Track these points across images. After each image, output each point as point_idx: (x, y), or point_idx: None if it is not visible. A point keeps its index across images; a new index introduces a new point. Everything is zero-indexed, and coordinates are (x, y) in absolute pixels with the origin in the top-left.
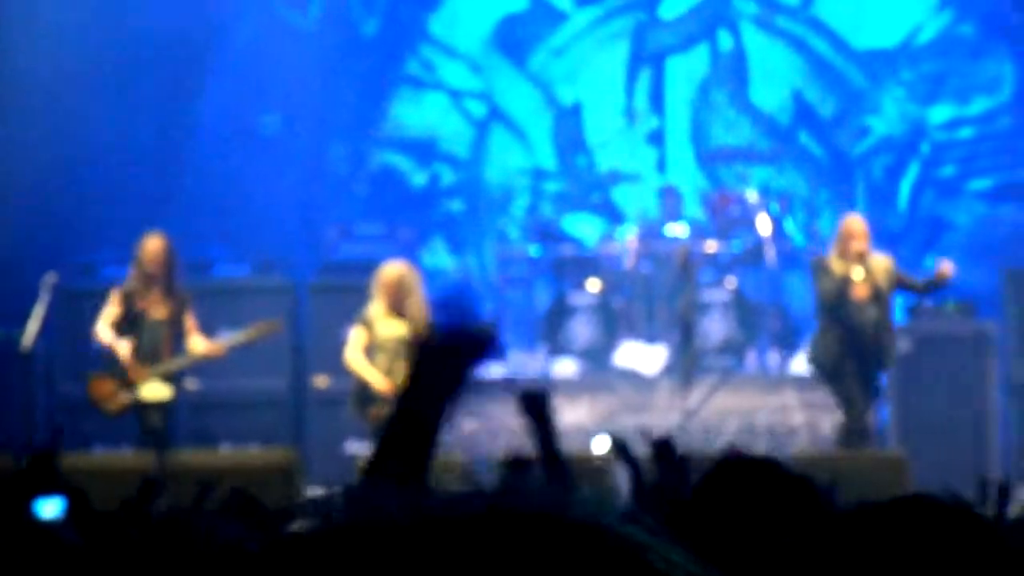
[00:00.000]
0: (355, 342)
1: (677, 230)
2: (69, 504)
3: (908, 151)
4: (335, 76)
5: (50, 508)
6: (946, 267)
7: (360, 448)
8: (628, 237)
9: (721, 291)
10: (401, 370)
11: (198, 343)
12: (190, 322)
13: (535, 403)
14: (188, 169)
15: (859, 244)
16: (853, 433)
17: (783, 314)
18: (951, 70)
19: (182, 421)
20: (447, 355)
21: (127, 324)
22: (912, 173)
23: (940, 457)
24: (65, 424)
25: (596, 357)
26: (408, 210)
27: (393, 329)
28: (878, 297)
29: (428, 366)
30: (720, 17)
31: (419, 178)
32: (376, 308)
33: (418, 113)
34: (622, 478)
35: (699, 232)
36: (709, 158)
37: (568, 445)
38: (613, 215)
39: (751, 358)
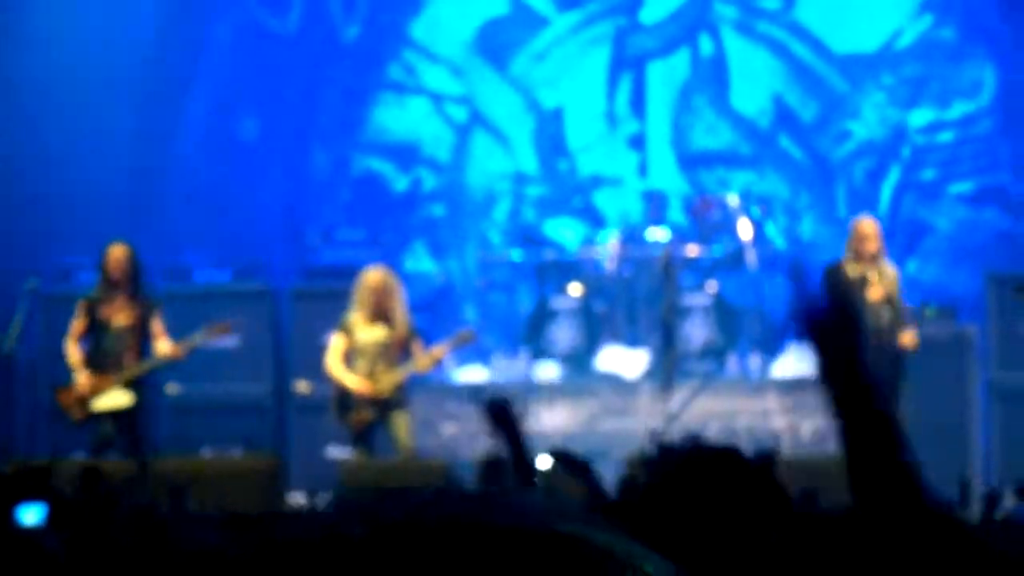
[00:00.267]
0: (335, 348)
1: (658, 234)
2: (50, 511)
3: (889, 155)
4: (316, 81)
5: (31, 515)
6: (908, 340)
7: (341, 453)
8: (609, 241)
9: (702, 295)
10: (381, 374)
11: (163, 346)
12: (158, 327)
13: (500, 412)
14: (169, 175)
15: (872, 245)
16: None
17: (764, 318)
18: (931, 74)
19: (164, 426)
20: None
21: (92, 333)
22: (893, 177)
23: (922, 461)
24: (45, 430)
25: (578, 361)
26: (390, 215)
27: (373, 334)
28: (890, 300)
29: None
30: (701, 22)
31: (401, 183)
32: (356, 314)
33: (399, 118)
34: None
35: (680, 236)
36: (690, 162)
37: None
38: (595, 219)
39: (732, 362)
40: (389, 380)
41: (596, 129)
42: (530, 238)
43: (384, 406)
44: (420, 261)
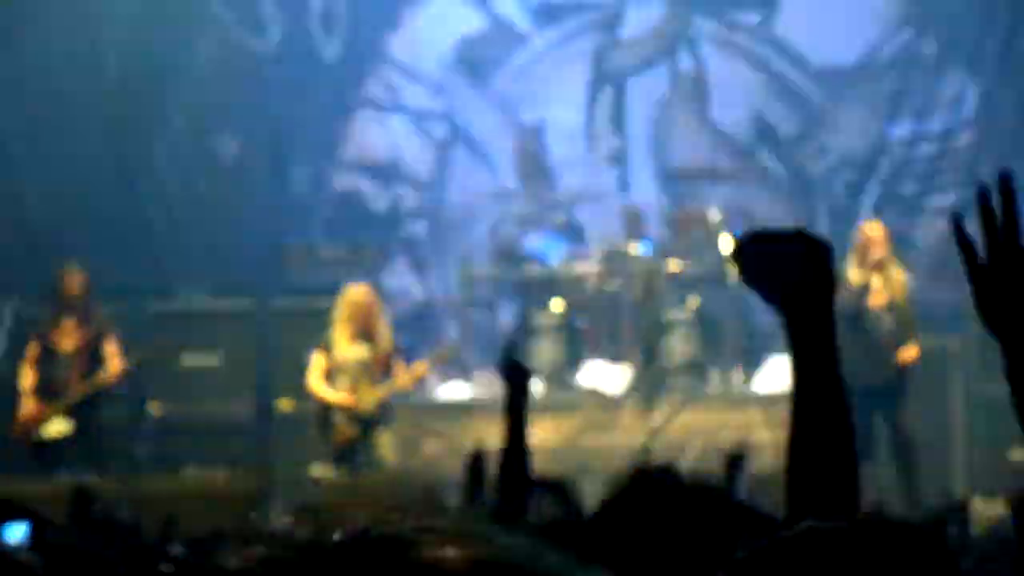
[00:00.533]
0: (316, 366)
1: (639, 250)
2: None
3: (869, 169)
4: (296, 99)
5: (14, 533)
6: (906, 356)
7: (324, 472)
8: (591, 257)
9: (684, 310)
10: (363, 392)
11: (109, 370)
12: (110, 349)
13: (516, 369)
14: (149, 194)
15: (877, 251)
16: (899, 446)
17: (746, 332)
18: (911, 88)
19: (147, 446)
20: None
21: (41, 359)
22: (873, 191)
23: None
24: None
25: (560, 377)
26: (371, 232)
27: (355, 352)
28: (894, 307)
29: None
30: (680, 37)
31: (381, 200)
32: (338, 332)
33: (380, 135)
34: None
35: (661, 251)
36: (671, 177)
37: (532, 466)
38: (576, 235)
39: (715, 377)
40: (371, 397)
41: (576, 145)
42: (511, 255)
43: (366, 424)
44: (401, 278)
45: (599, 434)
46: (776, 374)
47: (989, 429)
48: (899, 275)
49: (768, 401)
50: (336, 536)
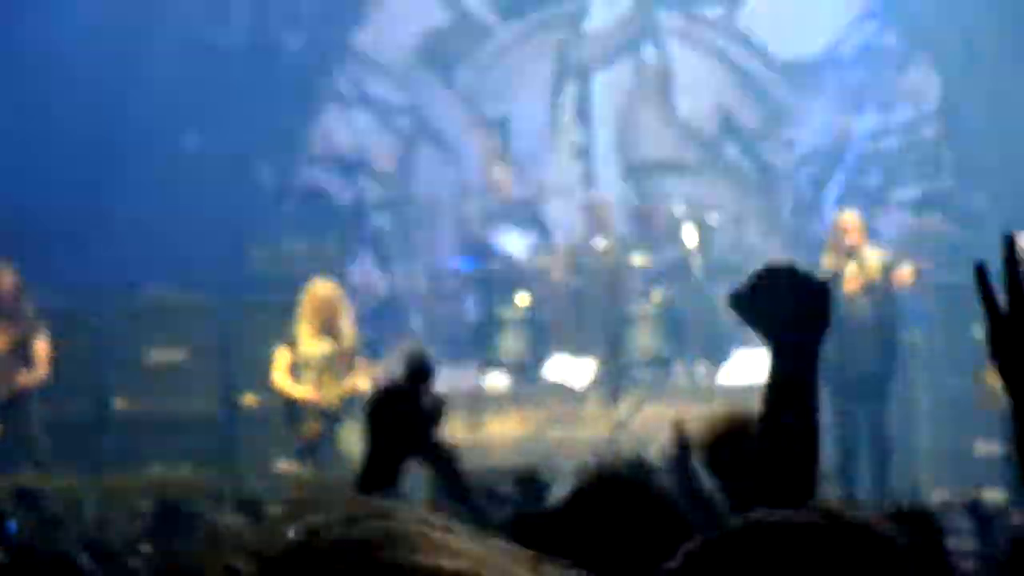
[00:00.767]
0: (280, 362)
1: (604, 243)
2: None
3: (833, 161)
4: (260, 93)
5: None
6: (904, 275)
7: (290, 467)
8: (556, 251)
9: (648, 304)
10: (328, 385)
11: (36, 371)
12: (40, 348)
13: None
14: (112, 189)
15: (850, 238)
16: (875, 440)
17: (711, 325)
18: (875, 80)
19: (111, 441)
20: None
21: None
22: (837, 183)
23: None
24: None
25: (525, 370)
26: (336, 226)
27: (320, 348)
28: (873, 290)
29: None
30: (645, 30)
31: (346, 194)
32: (302, 327)
33: (345, 129)
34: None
35: (626, 245)
36: (635, 171)
37: (498, 459)
38: (541, 229)
39: (679, 370)
40: (336, 392)
41: (541, 139)
42: (476, 248)
43: (332, 419)
44: (366, 273)
45: (564, 427)
46: (741, 367)
47: (953, 423)
48: (874, 259)
49: (733, 394)
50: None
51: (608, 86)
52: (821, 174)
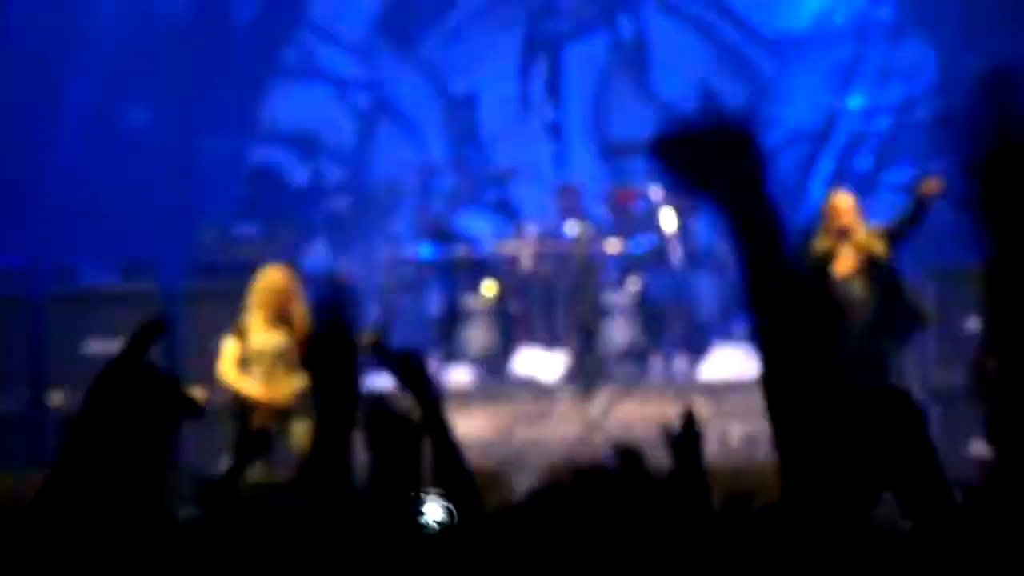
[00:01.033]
0: (229, 353)
1: (577, 229)
2: None
3: (821, 142)
4: (207, 66)
5: None
6: (930, 185)
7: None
8: (525, 237)
9: (624, 293)
10: (280, 379)
11: None
12: None
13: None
14: (50, 168)
15: (842, 219)
16: None
17: (690, 317)
18: (867, 56)
19: (48, 439)
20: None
21: None
22: (826, 166)
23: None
24: None
25: (492, 365)
26: (288, 210)
27: (271, 339)
28: (869, 269)
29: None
30: (620, 1)
31: (300, 175)
32: (253, 317)
33: (298, 105)
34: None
35: (600, 231)
36: (610, 152)
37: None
38: (509, 213)
39: (657, 364)
40: (288, 387)
41: (510, 117)
42: (440, 234)
43: (283, 415)
44: (321, 259)
45: (534, 426)
46: (723, 361)
47: (948, 421)
48: (865, 235)
49: (714, 390)
50: None
51: (581, 61)
52: (808, 156)
